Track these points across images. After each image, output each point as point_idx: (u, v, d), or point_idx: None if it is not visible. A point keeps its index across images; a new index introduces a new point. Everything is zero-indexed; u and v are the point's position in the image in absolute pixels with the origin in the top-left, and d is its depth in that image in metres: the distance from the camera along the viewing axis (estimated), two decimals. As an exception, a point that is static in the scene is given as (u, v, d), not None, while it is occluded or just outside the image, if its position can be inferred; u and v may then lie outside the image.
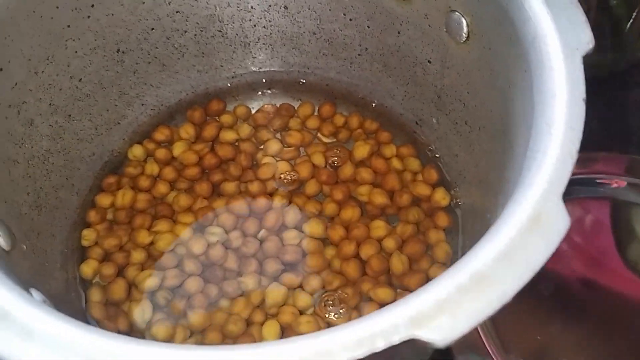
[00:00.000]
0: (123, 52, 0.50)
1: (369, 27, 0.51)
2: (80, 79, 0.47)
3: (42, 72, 0.43)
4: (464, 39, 0.42)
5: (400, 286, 0.48)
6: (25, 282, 0.34)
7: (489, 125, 0.42)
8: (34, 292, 0.33)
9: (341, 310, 0.46)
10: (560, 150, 0.29)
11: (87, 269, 0.48)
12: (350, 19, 0.51)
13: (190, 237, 0.49)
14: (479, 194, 0.46)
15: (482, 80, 0.42)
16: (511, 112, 0.37)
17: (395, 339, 0.24)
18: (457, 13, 0.42)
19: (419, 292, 0.26)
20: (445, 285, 0.26)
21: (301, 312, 0.47)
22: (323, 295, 0.47)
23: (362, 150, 0.54)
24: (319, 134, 0.56)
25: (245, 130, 0.55)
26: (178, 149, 0.54)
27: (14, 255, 0.37)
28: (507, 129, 0.38)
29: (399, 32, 0.49)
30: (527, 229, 0.27)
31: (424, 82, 0.50)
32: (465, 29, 0.42)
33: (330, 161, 0.53)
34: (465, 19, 0.41)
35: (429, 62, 0.48)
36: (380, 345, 0.24)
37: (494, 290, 0.25)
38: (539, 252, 0.26)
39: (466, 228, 0.49)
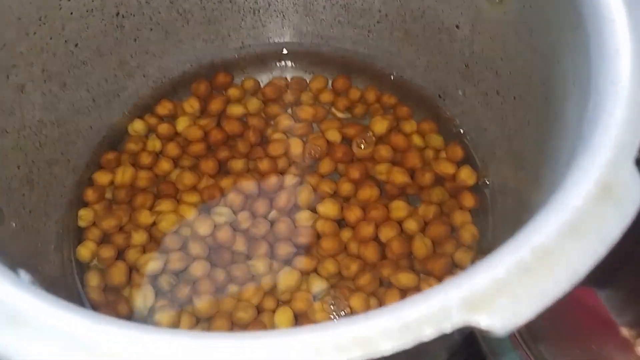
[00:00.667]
0: (123, 16, 0.46)
1: (390, -11, 0.47)
2: (76, 44, 0.43)
3: (34, 34, 0.39)
4: (499, -1, 0.39)
5: (423, 271, 0.45)
6: (13, 261, 0.30)
7: (526, 93, 0.39)
8: (21, 272, 0.30)
9: (344, 312, 0.42)
10: (629, 111, 0.25)
11: (85, 251, 0.45)
12: (371, -18, 0.47)
13: (196, 218, 0.46)
14: (511, 171, 0.42)
15: (520, 43, 0.38)
16: (557, 76, 0.34)
17: (447, 326, 0.20)
18: (491, -31, 0.38)
19: (472, 270, 0.22)
20: (503, 262, 0.22)
21: (316, 298, 0.44)
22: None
23: (380, 125, 0.50)
24: (332, 109, 0.52)
25: (254, 104, 0.51)
26: (182, 123, 0.50)
27: (2, 230, 0.33)
28: (551, 96, 0.35)
29: (423, -5, 0.45)
30: (596, 198, 0.23)
31: (449, 50, 0.46)
32: (501, -13, 0.38)
33: (356, 143, 0.49)
34: (501, -25, 0.38)
35: (457, 27, 0.44)
36: (428, 333, 0.20)
37: (562, 268, 0.21)
38: (613, 224, 0.22)
39: (496, 209, 0.45)
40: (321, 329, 0.20)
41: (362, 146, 0.48)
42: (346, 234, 0.46)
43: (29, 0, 0.38)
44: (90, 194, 0.47)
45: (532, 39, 0.37)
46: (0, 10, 0.36)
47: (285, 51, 0.54)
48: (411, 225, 0.46)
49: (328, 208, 0.46)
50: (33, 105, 0.41)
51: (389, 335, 0.20)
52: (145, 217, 0.46)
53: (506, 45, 0.40)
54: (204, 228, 0.45)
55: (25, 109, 0.40)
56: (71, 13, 0.42)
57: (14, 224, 0.36)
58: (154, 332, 0.21)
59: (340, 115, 0.52)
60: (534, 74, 0.37)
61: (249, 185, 0.47)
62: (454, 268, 0.45)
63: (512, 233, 0.40)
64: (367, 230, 0.45)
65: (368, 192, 0.47)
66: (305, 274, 0.44)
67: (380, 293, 0.44)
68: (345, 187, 0.48)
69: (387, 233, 0.45)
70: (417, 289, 0.43)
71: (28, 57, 0.39)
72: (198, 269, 0.44)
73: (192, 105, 0.51)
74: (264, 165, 0.48)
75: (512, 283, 0.21)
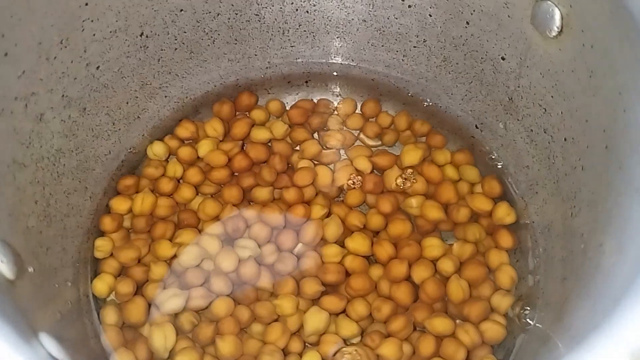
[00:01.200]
0: (147, 37, 0.43)
1: (430, 15, 0.44)
2: (98, 67, 0.41)
3: (55, 58, 0.37)
4: (554, 34, 0.36)
5: (458, 316, 0.42)
6: (33, 317, 0.27)
7: (581, 137, 0.36)
8: (44, 338, 0.27)
9: None
10: None
11: (101, 285, 0.42)
12: (409, 6, 0.45)
13: (219, 251, 0.43)
14: (559, 214, 0.40)
15: (577, 83, 0.36)
16: (622, 125, 0.31)
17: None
18: (548, 2, 0.35)
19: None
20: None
21: (346, 342, 0.41)
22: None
23: (412, 155, 0.47)
24: (361, 135, 0.50)
25: (280, 129, 0.49)
26: (204, 147, 0.48)
27: (20, 284, 0.30)
28: (613, 145, 0.32)
29: (467, 23, 0.42)
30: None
31: (493, 81, 0.44)
32: (558, 22, 0.35)
33: (397, 182, 0.46)
34: (559, 10, 0.35)
35: (503, 58, 0.42)
36: None
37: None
38: None
39: (538, 252, 0.42)
40: None
41: (404, 184, 0.45)
42: (376, 271, 0.44)
43: (50, 23, 0.36)
44: (107, 223, 0.44)
45: (592, 80, 0.34)
46: (20, 36, 0.34)
47: (312, 72, 0.51)
48: (446, 266, 0.43)
49: (358, 243, 0.44)
50: (52, 133, 0.39)
51: None
52: (165, 249, 0.43)
53: (560, 84, 0.37)
54: (228, 263, 0.43)
55: (43, 139, 0.38)
56: (94, 35, 0.39)
57: (32, 269, 0.33)
58: None
59: (369, 142, 0.49)
60: (592, 119, 0.35)
61: (274, 216, 0.45)
62: (490, 313, 0.42)
63: (559, 288, 0.38)
64: (400, 269, 0.43)
65: (400, 227, 0.45)
66: (333, 315, 0.42)
67: (414, 339, 0.41)
68: (375, 221, 0.45)
69: (421, 273, 0.43)
70: (453, 336, 0.41)
71: (48, 83, 0.37)
72: (221, 307, 0.42)
73: (215, 128, 0.48)
74: (291, 195, 0.46)
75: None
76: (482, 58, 0.43)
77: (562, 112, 0.38)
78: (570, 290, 0.35)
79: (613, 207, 0.31)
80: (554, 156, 0.40)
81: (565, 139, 0.38)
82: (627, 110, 0.31)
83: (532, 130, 0.42)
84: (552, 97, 0.39)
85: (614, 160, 0.32)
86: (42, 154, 0.37)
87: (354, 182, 0.46)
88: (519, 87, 0.42)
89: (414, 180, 0.45)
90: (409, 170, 0.46)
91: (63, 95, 0.38)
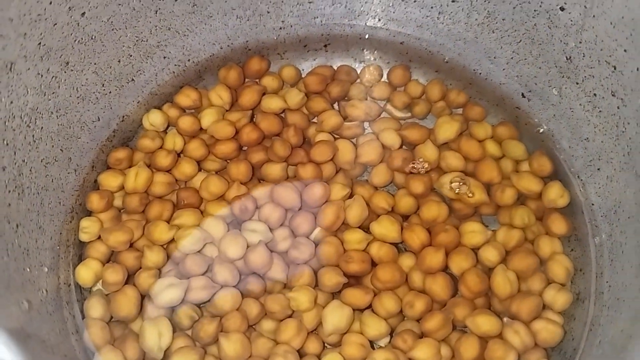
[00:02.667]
0: (143, -19, 0.38)
1: (473, -39, 0.38)
2: (83, 13, 0.36)
3: (29, -5, 0.31)
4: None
5: (506, 313, 0.37)
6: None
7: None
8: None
9: None
10: None
11: (86, 272, 0.38)
12: (448, -49, 0.39)
13: (224, 236, 0.38)
14: (631, 191, 0.34)
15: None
16: None
17: None
18: None
19: None
20: None
21: (372, 344, 0.37)
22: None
23: (448, 128, 0.42)
24: (388, 106, 0.44)
25: (295, 97, 0.43)
26: (208, 117, 0.43)
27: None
28: None
29: (519, -33, 0.36)
30: None
31: (547, 38, 0.38)
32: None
33: (451, 186, 0.40)
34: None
35: (562, 9, 0.37)
36: None
37: None
38: None
39: (600, 238, 0.37)
40: None
41: (459, 188, 0.39)
42: (407, 261, 0.39)
43: (22, -49, 0.30)
44: (95, 201, 0.40)
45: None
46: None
47: (333, 34, 0.45)
48: (490, 255, 0.38)
49: (385, 228, 0.39)
50: (25, 88, 0.33)
51: None
52: (162, 232, 0.39)
53: (636, 33, 0.31)
54: (234, 249, 0.37)
55: (14, 93, 0.33)
56: (78, -28, 0.33)
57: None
58: None
59: (397, 114, 0.44)
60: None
61: (288, 196, 0.39)
62: (543, 311, 0.36)
63: (634, 278, 0.32)
64: (436, 258, 0.37)
65: (435, 210, 0.40)
66: (357, 311, 0.37)
67: (453, 340, 0.36)
68: (406, 203, 0.40)
69: (461, 263, 0.38)
70: (500, 337, 0.35)
71: (19, 25, 0.32)
72: (226, 300, 0.37)
73: (220, 95, 0.44)
74: (307, 172, 0.41)
75: None
76: (535, 10, 0.38)
77: (638, 69, 0.32)
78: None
79: None
80: (624, 123, 0.34)
81: (642, 100, 0.32)
82: None
83: (595, 94, 0.36)
84: (625, 50, 0.33)
85: None
86: (12, 111, 0.32)
87: (416, 167, 0.40)
88: (580, 42, 0.36)
89: (426, 167, 0.40)
90: (420, 159, 0.40)
91: (40, 44, 0.33)
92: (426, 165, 0.40)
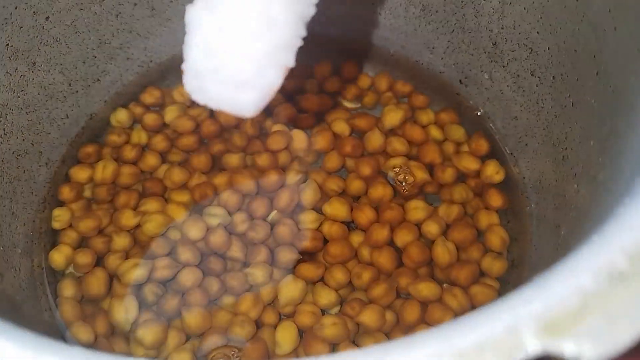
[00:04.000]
0: (102, -12, 0.40)
1: (406, -41, 0.41)
2: (47, 17, 0.38)
3: (-5, 1, 0.34)
4: (537, -39, 0.33)
5: (446, 280, 0.39)
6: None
7: (571, 71, 0.33)
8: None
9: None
10: None
11: (58, 256, 0.39)
12: (384, -49, 0.42)
13: (186, 220, 0.40)
14: (550, 164, 0.37)
15: (563, 11, 0.33)
16: (613, 46, 0.28)
17: (519, 357, 0.15)
18: None
19: (546, 279, 0.16)
20: (588, 268, 0.16)
21: (323, 312, 0.38)
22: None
23: (393, 116, 0.45)
24: (340, 98, 0.47)
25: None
26: (171, 114, 0.45)
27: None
28: (605, 70, 0.29)
29: (445, -36, 0.39)
30: None
31: (474, 26, 0.41)
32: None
33: (395, 178, 0.43)
34: None
35: (484, -1, 0.39)
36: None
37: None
38: None
39: (530, 209, 0.39)
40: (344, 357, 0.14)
41: (404, 185, 0.42)
42: (356, 238, 0.41)
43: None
44: (66, 192, 0.41)
45: (579, 4, 0.31)
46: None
47: (287, 34, 0.48)
48: (431, 228, 0.40)
49: (336, 208, 0.41)
50: None
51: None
52: (128, 218, 0.41)
53: (545, 16, 0.34)
54: (195, 231, 0.40)
55: None
56: (40, -21, 0.36)
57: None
58: None
59: (348, 105, 0.47)
60: (581, 47, 0.32)
61: (245, 182, 0.42)
62: (481, 277, 0.39)
63: (554, 239, 0.34)
64: (381, 233, 0.40)
65: (381, 191, 0.42)
66: (310, 284, 0.39)
67: (397, 306, 0.38)
68: (355, 185, 0.42)
69: (404, 237, 0.40)
70: (440, 301, 0.38)
71: None
72: (188, 277, 0.39)
73: (182, 93, 0.46)
74: (263, 160, 0.43)
75: (605, 296, 0.15)
76: (462, 1, 0.41)
77: (549, 48, 0.35)
78: (563, 236, 0.31)
79: (609, 135, 0.28)
80: (542, 99, 0.37)
81: (554, 77, 0.35)
82: (618, 27, 0.28)
83: (518, 75, 0.39)
84: (537, 33, 0.36)
85: (606, 86, 0.29)
86: None
87: (404, 176, 0.42)
88: (502, 28, 0.39)
89: (412, 179, 0.42)
90: (398, 164, 0.43)
91: (7, 45, 0.36)
92: (411, 179, 0.42)
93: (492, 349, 0.15)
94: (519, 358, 0.15)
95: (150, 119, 0.44)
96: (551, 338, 0.15)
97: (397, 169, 0.42)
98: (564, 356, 0.15)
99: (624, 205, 0.18)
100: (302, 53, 0.47)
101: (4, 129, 0.36)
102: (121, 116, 0.45)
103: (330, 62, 0.48)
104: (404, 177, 0.42)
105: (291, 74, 0.46)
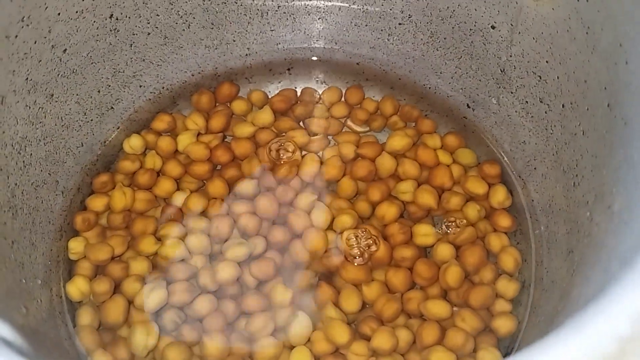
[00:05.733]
0: (117, 19, 0.41)
1: (415, -12, 0.42)
2: (65, 50, 0.38)
3: (16, 36, 0.34)
4: (546, -7, 0.34)
5: (462, 304, 0.39)
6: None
7: (581, 100, 0.34)
8: None
9: None
10: None
11: (74, 290, 0.40)
12: (393, -20, 0.43)
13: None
14: (559, 189, 0.37)
15: (573, 43, 0.34)
16: (623, 79, 0.29)
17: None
18: (538, -40, 0.34)
19: (582, 325, 0.17)
20: (624, 313, 0.17)
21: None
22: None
23: (397, 142, 0.45)
24: (349, 122, 0.47)
25: (264, 119, 0.46)
26: (184, 141, 0.45)
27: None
28: (616, 101, 0.30)
29: (454, -8, 0.40)
30: None
31: (483, 53, 0.42)
32: (549, -20, 0.33)
33: (445, 226, 0.43)
34: (550, -33, 0.33)
35: (493, 27, 0.40)
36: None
37: None
38: None
39: (539, 232, 0.40)
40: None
41: (451, 230, 0.42)
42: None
43: (8, -3, 0.33)
44: (80, 222, 0.41)
45: (589, 37, 0.32)
46: (-25, 9, 0.31)
47: (294, 58, 0.49)
48: (444, 252, 0.41)
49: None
50: (15, 119, 0.36)
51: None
52: (148, 245, 0.41)
53: (555, 47, 0.35)
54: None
55: (6, 124, 0.35)
56: (58, 14, 0.37)
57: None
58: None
59: (357, 128, 0.47)
60: (591, 78, 0.33)
61: (266, 207, 0.42)
62: (497, 299, 0.40)
63: (567, 264, 0.35)
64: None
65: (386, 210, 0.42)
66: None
67: (414, 326, 0.39)
68: (361, 207, 0.43)
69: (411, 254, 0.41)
70: (452, 322, 0.38)
71: (9, 63, 0.34)
72: (204, 305, 0.39)
73: (195, 121, 0.46)
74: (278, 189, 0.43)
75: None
76: (470, 29, 0.41)
77: (558, 77, 0.36)
78: (578, 262, 0.32)
79: (622, 165, 0.29)
80: (552, 126, 0.38)
81: (563, 106, 0.36)
82: (630, 61, 0.29)
83: (527, 101, 0.40)
84: (547, 62, 0.37)
85: (618, 118, 0.30)
86: (4, 140, 0.35)
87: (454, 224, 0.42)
88: (511, 56, 0.40)
89: (464, 224, 0.42)
90: (460, 220, 0.42)
91: (27, 79, 0.36)
92: (464, 221, 0.42)
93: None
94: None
95: (164, 143, 0.44)
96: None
97: (352, 237, 0.41)
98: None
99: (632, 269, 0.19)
100: (311, 78, 0.48)
101: (23, 161, 0.37)
102: (135, 142, 0.44)
103: (337, 88, 0.48)
104: (364, 243, 0.41)
105: (301, 99, 0.47)
